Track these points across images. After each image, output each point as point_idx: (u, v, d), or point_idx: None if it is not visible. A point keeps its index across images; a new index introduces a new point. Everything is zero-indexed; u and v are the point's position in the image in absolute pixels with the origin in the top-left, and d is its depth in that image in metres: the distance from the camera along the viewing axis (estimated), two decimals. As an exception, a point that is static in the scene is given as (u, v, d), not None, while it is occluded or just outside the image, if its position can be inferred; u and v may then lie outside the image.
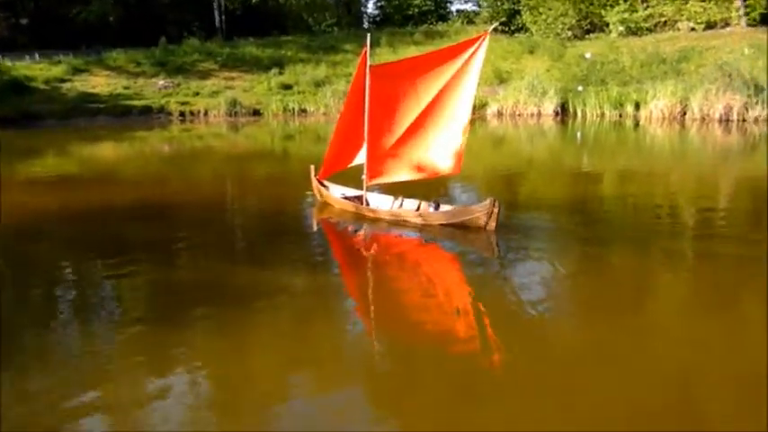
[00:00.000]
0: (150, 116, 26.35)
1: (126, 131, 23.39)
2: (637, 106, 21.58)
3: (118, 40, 32.85)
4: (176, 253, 8.05)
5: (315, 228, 9.55)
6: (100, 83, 28.35)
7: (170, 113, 26.71)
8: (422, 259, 8.03)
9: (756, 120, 18.49)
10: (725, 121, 18.84)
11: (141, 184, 13.00)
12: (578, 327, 5.59)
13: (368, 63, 8.81)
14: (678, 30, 28.32)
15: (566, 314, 5.85)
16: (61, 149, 18.88)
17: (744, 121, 18.59)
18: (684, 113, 20.14)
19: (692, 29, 27.80)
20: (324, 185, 10.08)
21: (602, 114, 22.37)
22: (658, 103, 20.54)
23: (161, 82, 28.77)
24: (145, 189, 12.38)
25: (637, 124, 20.67)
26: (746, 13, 26.29)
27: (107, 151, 19.22)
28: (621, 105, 21.99)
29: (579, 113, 23.04)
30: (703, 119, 19.44)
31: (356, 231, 8.93)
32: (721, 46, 24.78)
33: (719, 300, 6.15)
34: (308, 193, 10.57)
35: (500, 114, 24.43)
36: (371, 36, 9.95)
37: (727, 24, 27.33)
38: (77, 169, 15.37)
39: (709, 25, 27.56)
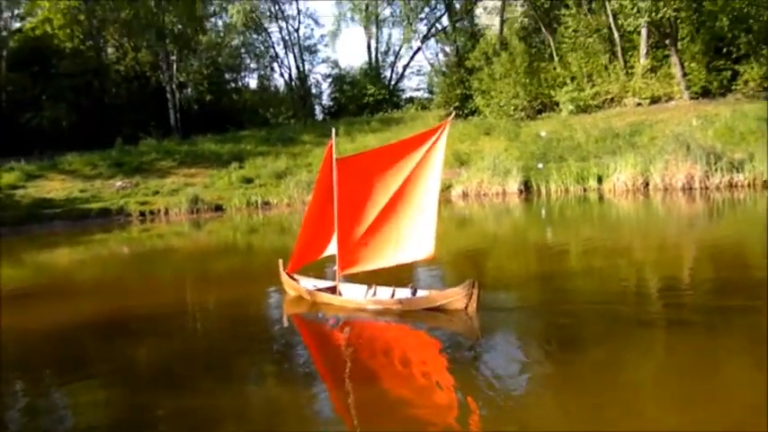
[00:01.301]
0: (109, 218, 25.68)
1: (84, 235, 22.71)
2: (599, 180, 21.99)
3: (71, 144, 32.41)
4: (137, 368, 7.55)
5: (285, 323, 9.30)
6: (55, 187, 27.71)
7: (129, 214, 26.09)
8: (400, 346, 7.87)
9: (718, 187, 18.96)
10: (688, 189, 19.28)
11: (99, 293, 12.28)
12: (556, 407, 5.49)
13: (334, 156, 9.02)
14: (625, 105, 29.49)
15: (544, 396, 5.78)
16: (16, 259, 18.05)
17: (706, 188, 19.05)
18: (647, 184, 20.57)
19: (639, 104, 28.99)
20: (294, 279, 9.93)
21: (567, 190, 22.70)
22: (620, 175, 20.97)
23: (119, 183, 28.27)
24: (102, 297, 11.65)
25: (601, 197, 20.99)
26: (688, 87, 27.58)
27: (64, 258, 18.48)
28: (584, 180, 22.38)
29: (543, 190, 23.32)
30: (666, 188, 19.86)
31: (331, 322, 8.80)
32: (669, 119, 25.79)
33: (692, 369, 6.14)
34: (274, 288, 10.35)
35: (465, 195, 24.60)
36: (329, 126, 10.05)
37: (671, 98, 28.61)
38: (32, 280, 14.57)
39: (654, 100, 28.79)
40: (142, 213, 26.28)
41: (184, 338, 8.67)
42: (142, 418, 5.81)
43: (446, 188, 25.07)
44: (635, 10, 25.64)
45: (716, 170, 18.90)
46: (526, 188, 23.72)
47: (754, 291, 8.60)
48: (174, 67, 40.46)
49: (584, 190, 22.27)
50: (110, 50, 43.05)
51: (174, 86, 39.87)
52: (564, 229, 17.18)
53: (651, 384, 5.87)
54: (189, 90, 43.72)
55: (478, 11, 43.45)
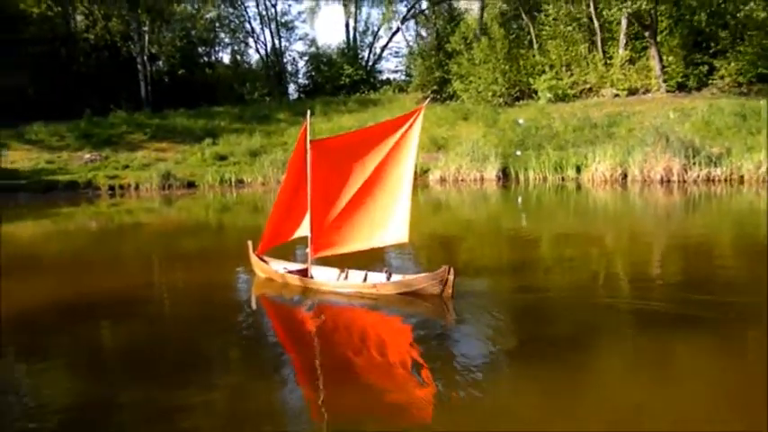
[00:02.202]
0: (77, 191, 24.95)
1: (50, 208, 22.02)
2: (578, 169, 22.02)
3: (37, 114, 31.29)
4: (100, 351, 7.32)
5: (254, 306, 9.09)
6: (19, 158, 26.77)
7: (98, 188, 25.39)
8: (373, 331, 7.83)
9: (696, 180, 19.12)
10: (666, 182, 19.41)
11: (63, 269, 11.82)
12: (523, 395, 5.55)
13: (308, 138, 8.98)
14: (603, 96, 29.60)
15: (512, 384, 5.84)
16: (-25, 232, 17.35)
17: (684, 181, 19.20)
18: (625, 176, 20.66)
19: (616, 95, 29.12)
20: (263, 260, 9.81)
21: (545, 178, 22.70)
22: (599, 166, 21.02)
23: (87, 155, 27.45)
24: (66, 274, 11.24)
25: (579, 187, 21.03)
26: (665, 80, 27.78)
27: (27, 231, 17.88)
28: (562, 169, 22.39)
29: (522, 177, 23.30)
30: (644, 180, 19.97)
31: (301, 305, 8.67)
32: (646, 111, 25.93)
33: (659, 359, 6.23)
34: (243, 269, 10.22)
35: (443, 180, 24.46)
36: (305, 105, 9.84)
37: (648, 91, 28.79)
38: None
39: (631, 91, 28.95)
40: (111, 188, 25.60)
41: (150, 321, 8.36)
42: (103, 405, 5.60)
43: (424, 173, 24.94)
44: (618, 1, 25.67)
45: (694, 164, 19.05)
46: (504, 175, 23.66)
47: (720, 287, 8.78)
48: (146, 38, 39.35)
49: (563, 179, 22.29)
50: (79, 18, 41.62)
51: (145, 58, 38.77)
52: (540, 217, 17.17)
53: (618, 376, 5.93)
54: (161, 62, 42.64)
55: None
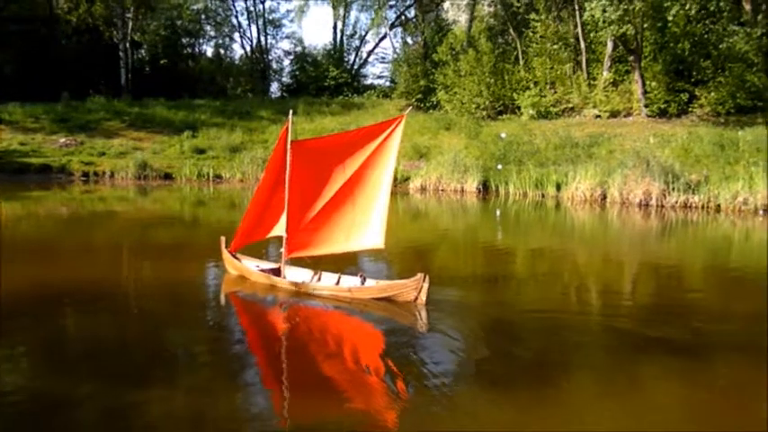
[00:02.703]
0: (49, 175, 24.45)
1: (20, 191, 21.53)
2: (558, 187, 22.14)
3: (13, 94, 30.56)
4: (62, 343, 7.16)
5: (224, 303, 9.06)
6: (-8, 137, 26.09)
7: (72, 173, 24.91)
8: (343, 334, 7.84)
9: (674, 206, 19.35)
10: (644, 205, 19.61)
11: (29, 256, 11.57)
12: (487, 404, 5.57)
13: (289, 138, 9.04)
14: (584, 116, 29.86)
15: (473, 392, 5.88)
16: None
17: (662, 206, 19.41)
18: (605, 197, 20.83)
19: (598, 116, 29.40)
20: (236, 257, 9.84)
21: (525, 194, 22.79)
22: (579, 185, 21.16)
23: (62, 139, 26.89)
24: (32, 261, 11.00)
25: (558, 205, 21.14)
26: (646, 105, 28.14)
27: None
28: (542, 186, 22.51)
29: (502, 191, 23.36)
30: (623, 202, 20.16)
31: (272, 304, 8.66)
32: (626, 134, 26.22)
33: (624, 377, 6.32)
34: (215, 265, 10.18)
35: (423, 189, 24.44)
36: (288, 104, 9.91)
37: (629, 114, 29.14)
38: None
39: (613, 114, 29.26)
40: (85, 174, 25.12)
41: (115, 313, 8.21)
42: (59, 399, 5.48)
43: (404, 180, 24.92)
44: (605, 23, 25.90)
45: (673, 189, 19.29)
46: (484, 188, 23.71)
47: (687, 311, 8.89)
48: (130, 24, 38.74)
49: (542, 196, 22.40)
50: (60, 0, 40.80)
51: (127, 45, 38.17)
52: (517, 232, 17.24)
53: (584, 391, 6.01)
54: (143, 50, 42.02)
55: (446, 4, 43.29)
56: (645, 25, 26.11)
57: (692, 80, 28.03)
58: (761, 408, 5.63)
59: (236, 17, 45.60)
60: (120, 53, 37.98)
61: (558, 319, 8.15)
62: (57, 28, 38.48)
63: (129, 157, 26.24)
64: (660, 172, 19.29)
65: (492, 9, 40.19)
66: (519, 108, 32.08)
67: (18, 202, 19.47)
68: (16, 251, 11.87)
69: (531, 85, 32.06)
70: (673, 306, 9.18)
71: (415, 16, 41.67)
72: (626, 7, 24.28)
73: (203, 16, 45.03)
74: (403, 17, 43.35)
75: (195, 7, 44.19)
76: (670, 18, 25.70)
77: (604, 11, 24.61)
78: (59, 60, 36.37)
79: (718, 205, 18.93)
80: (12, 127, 27.47)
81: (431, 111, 34.49)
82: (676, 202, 19.25)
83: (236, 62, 46.53)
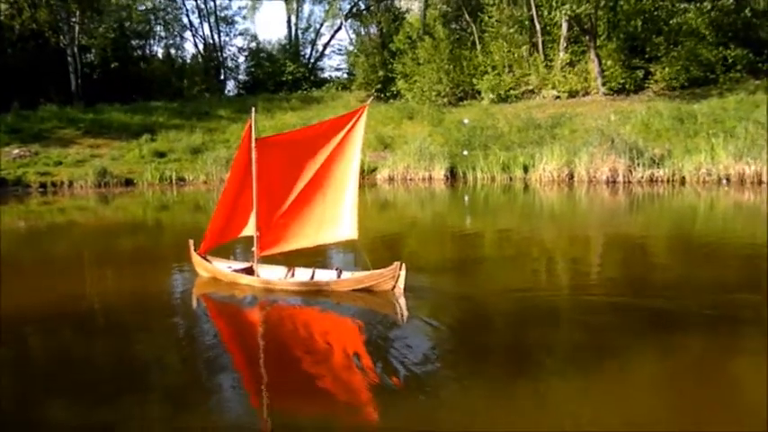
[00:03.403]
0: (5, 189, 23.59)
1: (-26, 207, 20.69)
2: (525, 170, 22.32)
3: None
4: (25, 359, 6.89)
5: (194, 305, 8.86)
6: (-61, 153, 25.04)
7: (28, 185, 24.06)
8: (321, 327, 7.82)
9: (640, 181, 19.67)
10: (611, 182, 19.91)
11: None
12: (463, 394, 5.52)
13: (253, 136, 8.94)
14: (544, 98, 30.18)
15: (453, 381, 5.80)
16: None
17: (629, 182, 19.73)
18: (572, 176, 21.07)
19: (557, 97, 29.75)
20: (206, 260, 9.63)
21: (493, 178, 22.91)
22: (546, 166, 21.35)
23: (15, 151, 25.97)
24: None
25: (526, 187, 21.33)
26: (604, 83, 28.56)
27: None
28: (509, 169, 22.65)
29: (471, 177, 23.44)
30: (590, 181, 20.43)
31: (247, 304, 8.53)
32: (587, 113, 26.59)
33: (595, 354, 6.33)
34: (184, 269, 10.03)
35: (391, 179, 24.37)
36: (247, 102, 9.77)
37: (587, 93, 29.56)
38: None
39: (572, 94, 29.63)
40: (43, 185, 24.33)
41: (81, 327, 7.86)
42: (29, 420, 5.25)
43: (371, 171, 24.80)
44: (558, 3, 26.17)
45: (638, 165, 19.61)
46: (452, 175, 23.76)
47: (656, 284, 9.05)
48: (76, 28, 37.56)
49: (510, 179, 22.56)
50: (3, 6, 39.29)
51: (75, 50, 37.00)
52: (486, 216, 17.34)
53: (557, 373, 5.95)
54: (92, 55, 40.83)
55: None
56: (600, 4, 26.33)
57: (647, 56, 28.57)
58: (736, 385, 5.67)
59: (187, 15, 44.79)
60: (69, 59, 36.80)
61: (532, 299, 8.25)
62: (0, 35, 37.08)
63: (88, 164, 25.48)
64: (624, 148, 19.61)
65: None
66: (479, 93, 32.25)
67: (-28, 219, 18.78)
68: None
69: (490, 70, 32.24)
70: (640, 279, 9.36)
71: (369, 6, 41.45)
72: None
73: (152, 16, 43.93)
74: (357, 7, 42.99)
75: (143, 7, 43.11)
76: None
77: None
78: (5, 69, 35.02)
79: (683, 178, 19.35)
80: (-40, 141, 26.48)
81: (391, 101, 34.41)
82: (642, 177, 19.61)
83: (189, 62, 45.61)
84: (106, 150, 27.47)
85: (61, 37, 37.60)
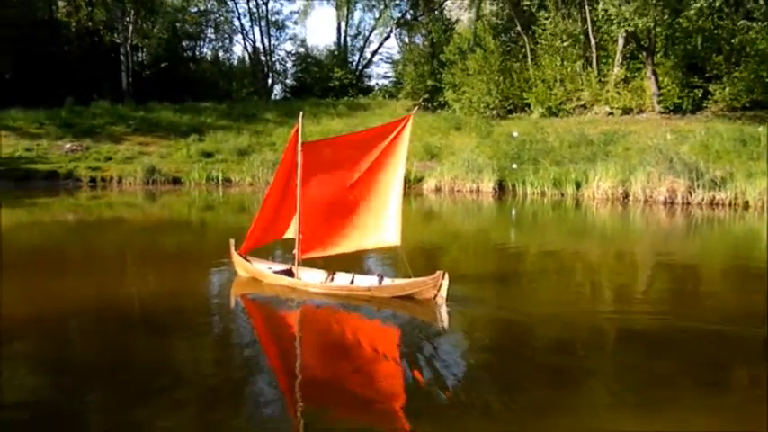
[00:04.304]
0: (56, 182, 23.98)
1: (27, 198, 21.10)
2: (577, 186, 21.70)
3: (14, 99, 30.00)
4: (66, 352, 6.95)
5: (233, 305, 8.88)
6: (-5, 144, 25.57)
7: (79, 179, 24.41)
8: (359, 333, 7.73)
9: (700, 203, 18.91)
10: (669, 203, 19.19)
11: (33, 264, 11.22)
12: (499, 407, 5.41)
13: (299, 140, 9.05)
14: (596, 114, 29.47)
15: (489, 393, 5.73)
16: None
17: (688, 204, 18.99)
18: (627, 195, 20.39)
19: (610, 113, 29.01)
20: (246, 260, 9.72)
21: (543, 193, 22.35)
22: (600, 183, 20.72)
23: (68, 145, 26.39)
24: (35, 269, 10.70)
25: (578, 204, 20.72)
26: (659, 101, 27.73)
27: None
28: (561, 185, 22.06)
29: (520, 191, 22.92)
30: (647, 200, 19.73)
31: (286, 306, 8.54)
32: (641, 131, 25.80)
33: (643, 380, 6.12)
34: (225, 269, 10.07)
35: (438, 190, 23.98)
36: (294, 106, 9.87)
37: (642, 111, 28.74)
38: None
39: (625, 111, 28.85)
40: (93, 180, 24.68)
41: (121, 322, 7.86)
42: (66, 413, 5.30)
43: (417, 181, 24.48)
44: (618, 18, 25.52)
45: (698, 186, 18.85)
46: (500, 188, 23.27)
47: (705, 311, 8.69)
48: (131, 28, 38.22)
49: (562, 195, 21.95)
50: (60, 3, 40.27)
51: (128, 48, 37.64)
52: (533, 232, 16.86)
53: (599, 393, 5.86)
54: (143, 54, 41.51)
55: (448, 3, 42.89)
56: (664, 17, 25.52)
57: (706, 75, 27.64)
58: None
59: (239, 19, 45.16)
60: (121, 57, 37.45)
61: (574, 318, 8.05)
62: (57, 32, 37.95)
63: (137, 161, 25.74)
64: (684, 169, 18.86)
65: (494, 8, 39.81)
66: (528, 106, 31.70)
67: (23, 209, 19.05)
68: (18, 259, 11.57)
69: (540, 83, 31.65)
70: (688, 305, 9.05)
71: (417, 16, 41.29)
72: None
73: (204, 18, 44.53)
74: (408, 16, 42.84)
75: (194, 10, 43.70)
76: (692, 13, 25.14)
77: (620, 5, 24.17)
78: (61, 65, 35.82)
79: (746, 202, 18.53)
80: (16, 133, 26.93)
81: (438, 111, 34.10)
82: (702, 200, 18.81)
83: (236, 64, 46.05)
84: (155, 148, 27.73)
85: (115, 35, 38.31)
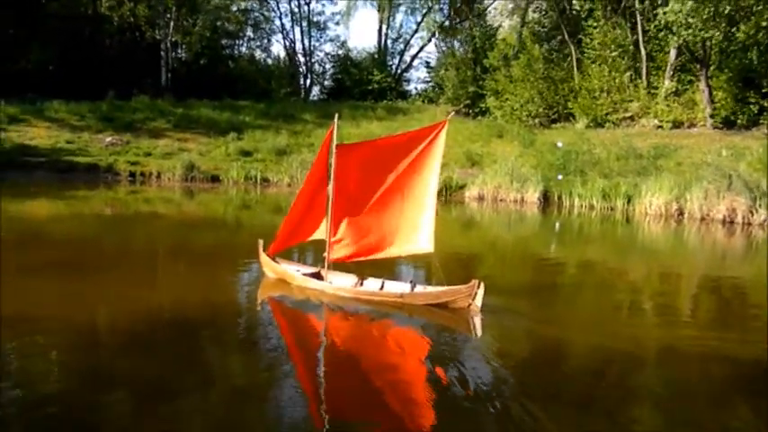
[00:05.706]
0: (96, 175, 23.94)
1: (67, 189, 21.11)
2: (628, 200, 20.89)
3: (56, 91, 30.15)
4: (94, 340, 7.04)
5: (260, 305, 8.75)
6: (39, 134, 25.65)
7: (118, 173, 24.33)
8: (387, 338, 7.56)
9: (762, 224, 17.96)
10: (729, 222, 18.30)
11: (68, 255, 11.19)
12: (525, 421, 5.20)
13: (334, 141, 8.92)
14: (644, 126, 28.58)
15: (519, 407, 5.50)
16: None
17: (749, 224, 18.08)
18: (682, 212, 19.52)
19: (659, 126, 28.09)
20: (275, 261, 9.56)
21: (591, 206, 21.57)
22: (653, 198, 19.88)
23: (108, 138, 26.36)
24: (70, 261, 10.70)
25: (628, 219, 19.92)
26: (712, 116, 26.77)
27: (41, 211, 17.16)
28: (610, 198, 21.26)
29: (566, 203, 22.17)
30: (703, 218, 18.86)
31: (314, 310, 8.37)
32: (693, 145, 24.91)
33: (681, 405, 5.93)
34: (251, 268, 10.06)
35: (480, 198, 23.34)
36: (332, 108, 9.48)
37: (693, 125, 27.79)
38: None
39: (676, 124, 27.93)
40: (132, 174, 24.59)
41: (149, 317, 7.78)
42: (93, 409, 5.24)
43: (459, 188, 23.89)
44: (680, 29, 24.61)
45: (760, 206, 17.92)
46: (545, 198, 22.56)
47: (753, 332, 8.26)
48: (171, 24, 38.31)
49: (611, 209, 21.15)
50: (104, -1, 40.51)
51: (168, 44, 37.71)
52: (577, 246, 16.21)
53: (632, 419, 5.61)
54: (183, 51, 41.60)
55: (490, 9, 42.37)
56: (721, 26, 24.58)
57: (763, 91, 26.58)
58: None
59: (280, 18, 45.07)
60: (162, 53, 37.55)
61: (611, 335, 7.80)
62: (100, 26, 38.18)
63: (176, 157, 25.56)
64: (743, 187, 17.94)
65: (538, 15, 39.12)
66: (573, 116, 30.92)
67: (63, 201, 19.07)
68: (56, 249, 11.62)
69: (586, 93, 30.84)
70: (734, 328, 8.63)
71: (459, 21, 40.72)
72: (712, 10, 22.93)
73: (246, 18, 44.50)
74: (448, 22, 42.27)
75: (235, 8, 43.66)
76: (750, 25, 24.18)
77: (687, 16, 23.29)
78: (103, 59, 36.00)
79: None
80: (58, 125, 26.97)
81: (479, 117, 33.46)
82: (765, 221, 17.87)
83: (273, 63, 45.91)
84: (194, 145, 27.56)
85: (156, 31, 38.44)
